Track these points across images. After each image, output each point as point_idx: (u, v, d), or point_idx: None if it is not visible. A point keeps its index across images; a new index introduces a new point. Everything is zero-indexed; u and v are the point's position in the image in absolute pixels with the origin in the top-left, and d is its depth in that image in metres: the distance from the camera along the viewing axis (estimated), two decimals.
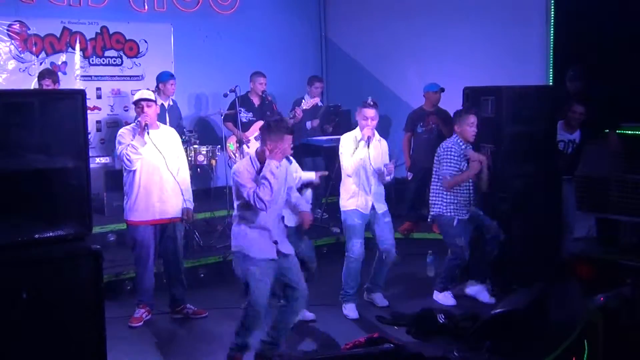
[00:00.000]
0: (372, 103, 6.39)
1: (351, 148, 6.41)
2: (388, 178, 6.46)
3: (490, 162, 6.76)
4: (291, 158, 6.04)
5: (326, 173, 6.29)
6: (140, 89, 6.71)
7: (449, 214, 6.65)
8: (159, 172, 6.13)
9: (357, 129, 6.49)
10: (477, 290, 6.85)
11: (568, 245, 7.34)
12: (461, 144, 6.64)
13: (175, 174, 6.21)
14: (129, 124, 9.06)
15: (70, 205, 3.93)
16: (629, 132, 7.81)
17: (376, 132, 6.55)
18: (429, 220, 7.07)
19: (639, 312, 4.71)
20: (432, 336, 5.85)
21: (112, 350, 4.10)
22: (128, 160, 6.00)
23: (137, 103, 6.18)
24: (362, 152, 6.34)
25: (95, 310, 3.93)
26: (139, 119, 6.12)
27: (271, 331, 5.36)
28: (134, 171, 6.08)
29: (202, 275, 7.52)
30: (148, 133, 6.04)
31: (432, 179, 6.83)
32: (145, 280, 6.33)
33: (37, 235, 3.82)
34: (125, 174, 6.20)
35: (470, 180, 6.65)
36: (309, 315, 6.26)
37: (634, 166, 7.70)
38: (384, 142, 6.66)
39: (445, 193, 6.65)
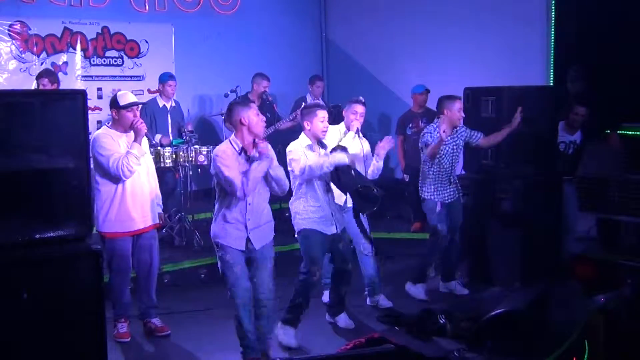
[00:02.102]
0: (362, 100, 6.56)
1: (336, 140, 6.45)
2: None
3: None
4: (325, 142, 6.01)
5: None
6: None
7: (431, 198, 6.79)
8: (140, 180, 5.82)
9: (342, 124, 6.65)
10: (449, 287, 7.10)
11: (569, 245, 7.33)
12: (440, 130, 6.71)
13: (151, 180, 5.97)
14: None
15: (71, 205, 3.93)
16: (630, 132, 7.81)
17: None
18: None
19: None
20: (432, 336, 5.84)
21: (112, 350, 4.10)
22: (129, 171, 5.59)
23: (127, 107, 5.71)
24: (351, 142, 6.40)
25: (95, 310, 3.93)
26: (137, 126, 5.67)
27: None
28: (118, 180, 5.67)
29: (203, 275, 7.53)
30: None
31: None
32: (126, 294, 6.01)
33: (37, 236, 3.82)
34: (101, 183, 5.70)
35: (450, 159, 6.76)
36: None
37: (634, 166, 7.71)
38: (367, 142, 6.70)
39: (428, 178, 6.80)
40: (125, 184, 5.70)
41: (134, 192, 5.78)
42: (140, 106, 6.01)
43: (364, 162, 6.37)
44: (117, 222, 5.75)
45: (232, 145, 5.12)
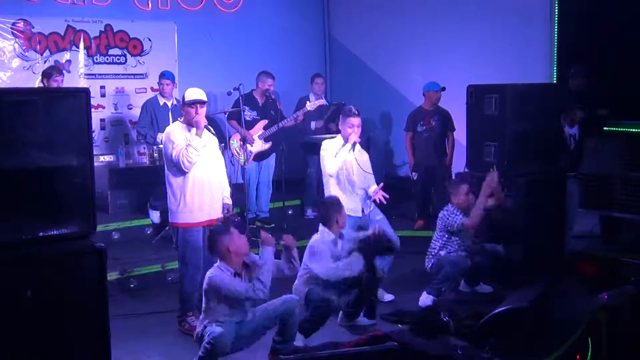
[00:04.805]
0: (356, 112, 6.54)
1: (334, 151, 6.55)
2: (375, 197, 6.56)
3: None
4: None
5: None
6: (193, 89, 6.26)
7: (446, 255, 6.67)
8: (208, 172, 6.01)
9: (339, 137, 6.68)
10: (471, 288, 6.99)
11: (571, 242, 7.32)
12: (457, 212, 6.66)
13: (218, 173, 6.15)
14: (134, 122, 9.20)
15: (75, 203, 3.94)
16: (633, 129, 7.79)
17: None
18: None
19: None
20: (435, 334, 5.85)
21: (116, 348, 4.11)
22: (189, 162, 5.79)
23: (191, 104, 5.99)
24: (347, 155, 6.50)
25: (99, 308, 3.94)
26: (195, 119, 5.92)
27: (279, 330, 5.37)
28: (183, 171, 5.91)
29: None
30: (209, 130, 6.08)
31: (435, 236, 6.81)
32: (196, 287, 6.02)
33: (41, 233, 3.83)
34: (171, 175, 6.00)
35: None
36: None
37: (637, 164, 7.69)
38: (365, 154, 6.80)
39: (441, 247, 6.69)
40: (194, 175, 5.92)
41: (201, 183, 5.97)
42: (204, 104, 6.12)
43: (358, 173, 6.56)
44: (191, 212, 5.96)
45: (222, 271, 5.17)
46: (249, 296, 5.05)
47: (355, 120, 6.54)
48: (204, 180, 6.00)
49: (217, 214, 6.11)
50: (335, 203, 6.05)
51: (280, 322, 5.34)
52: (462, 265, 6.56)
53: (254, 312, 5.23)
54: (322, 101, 8.93)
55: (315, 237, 5.96)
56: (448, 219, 6.64)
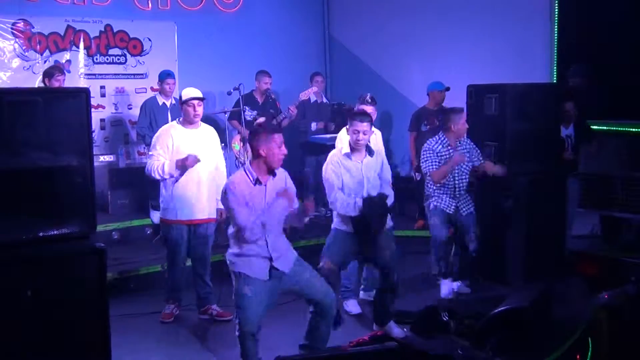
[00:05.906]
0: (369, 100, 6.42)
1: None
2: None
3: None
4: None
5: None
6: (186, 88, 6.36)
7: (433, 204, 6.65)
8: (195, 173, 6.06)
9: (346, 143, 6.49)
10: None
11: (569, 242, 7.32)
12: (445, 142, 6.59)
13: (211, 173, 6.18)
14: (134, 122, 9.19)
15: (75, 203, 3.95)
16: (633, 129, 7.79)
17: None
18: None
19: None
20: (436, 334, 5.85)
21: (116, 348, 4.11)
22: (152, 176, 6.07)
23: (187, 102, 6.10)
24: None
25: (99, 308, 3.94)
26: (186, 163, 5.93)
27: (307, 337, 5.14)
28: None
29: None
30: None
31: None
32: (175, 277, 6.32)
33: (41, 233, 3.83)
34: None
35: (455, 174, 6.60)
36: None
37: (638, 164, 7.69)
38: (378, 133, 6.70)
39: (431, 186, 6.66)
40: (178, 175, 6.04)
41: (185, 182, 6.07)
42: (201, 101, 6.20)
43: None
44: (170, 210, 6.13)
45: (247, 174, 4.84)
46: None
47: (367, 109, 6.38)
48: (192, 179, 6.07)
49: (203, 214, 6.18)
50: (352, 115, 5.75)
51: (312, 318, 5.04)
52: (440, 236, 6.60)
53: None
54: (315, 89, 8.92)
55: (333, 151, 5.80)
56: (423, 154, 6.58)
